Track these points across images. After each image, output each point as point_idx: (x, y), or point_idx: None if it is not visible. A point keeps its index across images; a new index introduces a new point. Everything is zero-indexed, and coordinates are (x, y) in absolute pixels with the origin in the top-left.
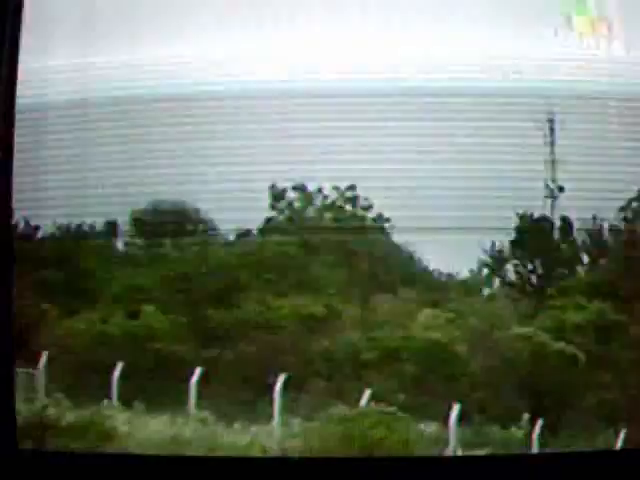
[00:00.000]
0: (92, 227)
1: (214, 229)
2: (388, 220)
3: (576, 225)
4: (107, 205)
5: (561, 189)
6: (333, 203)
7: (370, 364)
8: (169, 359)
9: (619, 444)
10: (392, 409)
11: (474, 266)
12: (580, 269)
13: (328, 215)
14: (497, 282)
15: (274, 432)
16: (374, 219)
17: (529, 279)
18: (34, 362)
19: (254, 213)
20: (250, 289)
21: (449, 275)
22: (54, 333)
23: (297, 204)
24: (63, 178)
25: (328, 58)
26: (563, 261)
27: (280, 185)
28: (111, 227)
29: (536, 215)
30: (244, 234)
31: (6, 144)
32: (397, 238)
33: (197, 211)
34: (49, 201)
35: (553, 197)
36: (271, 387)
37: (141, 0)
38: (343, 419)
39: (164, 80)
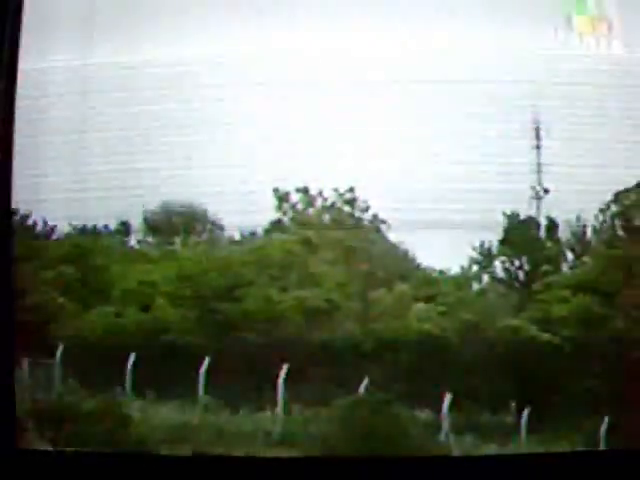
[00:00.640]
0: (106, 227)
1: (221, 229)
2: (384, 221)
3: (560, 225)
4: (121, 206)
5: (546, 191)
6: (333, 205)
7: (368, 354)
8: (179, 350)
9: (602, 429)
10: (388, 396)
11: (464, 263)
12: (564, 266)
13: (328, 216)
14: (486, 278)
15: (277, 418)
16: (371, 219)
17: (516, 275)
18: (51, 353)
19: (259, 214)
20: (255, 284)
21: (441, 271)
22: (70, 326)
23: (299, 206)
24: (76, 178)
25: (329, 60)
26: (548, 258)
27: (283, 188)
28: (124, 227)
29: (522, 215)
30: (250, 233)
31: (6, 145)
32: (392, 237)
33: (205, 212)
34: (65, 202)
35: (539, 198)
36: (274, 376)
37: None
38: (342, 406)
39: (166, 82)
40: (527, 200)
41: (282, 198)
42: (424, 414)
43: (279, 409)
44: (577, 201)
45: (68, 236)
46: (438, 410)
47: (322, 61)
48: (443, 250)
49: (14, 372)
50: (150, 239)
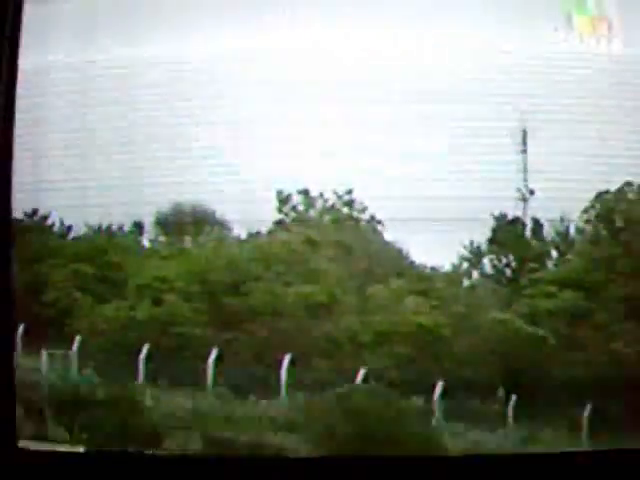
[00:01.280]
0: (121, 227)
1: (228, 228)
2: (380, 221)
3: (545, 224)
4: (134, 207)
5: (532, 193)
6: (332, 206)
7: (365, 345)
8: (189, 341)
9: (585, 414)
10: (384, 385)
11: (455, 260)
12: (549, 263)
13: (328, 216)
14: (476, 274)
15: (281, 405)
16: (368, 220)
17: (504, 272)
18: (69, 344)
19: (263, 215)
20: (260, 280)
21: (433, 268)
22: (87, 319)
23: (301, 207)
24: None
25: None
26: (534, 256)
27: (285, 190)
28: (138, 226)
29: (510, 216)
30: (255, 233)
31: (6, 144)
32: (388, 236)
33: (213, 213)
34: (82, 202)
35: (524, 200)
36: (279, 365)
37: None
38: (341, 394)
39: (168, 82)
40: (514, 202)
41: (284, 200)
42: (417, 401)
43: (282, 396)
44: (561, 202)
45: (85, 236)
46: (430, 397)
47: (322, 64)
48: (435, 248)
49: (14, 372)
50: (162, 238)
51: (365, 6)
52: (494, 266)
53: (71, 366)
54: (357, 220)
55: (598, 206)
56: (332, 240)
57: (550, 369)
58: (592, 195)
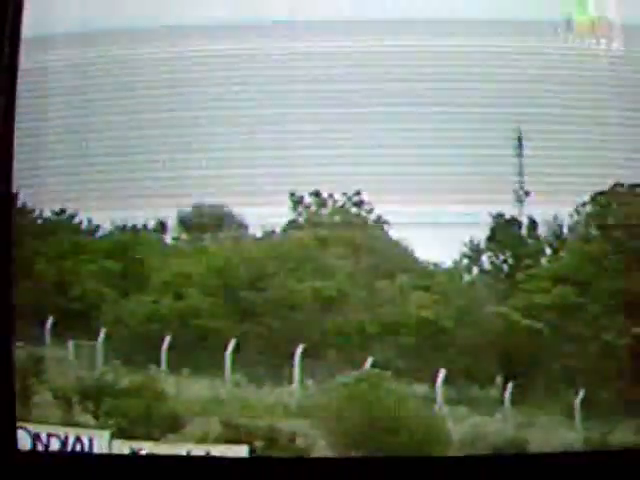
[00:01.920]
0: (145, 225)
1: (245, 227)
2: (386, 220)
3: (540, 223)
4: (158, 207)
5: (527, 193)
6: (342, 206)
7: (372, 336)
8: (208, 333)
9: (577, 400)
10: (390, 373)
11: (456, 257)
12: (544, 260)
13: (338, 216)
14: (475, 270)
15: (294, 393)
16: (375, 219)
17: (502, 268)
18: (95, 336)
19: (277, 215)
20: (275, 276)
21: (436, 265)
22: (112, 312)
23: (313, 208)
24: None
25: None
26: (530, 253)
27: (298, 192)
28: (161, 225)
29: (507, 215)
30: (270, 232)
31: (7, 143)
32: (394, 234)
33: (231, 212)
34: (109, 202)
35: (521, 200)
36: (292, 355)
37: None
38: (350, 382)
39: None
40: (510, 202)
41: (297, 201)
42: (421, 388)
43: (296, 384)
44: (554, 203)
45: (111, 234)
46: (433, 384)
47: (332, 68)
48: (438, 246)
49: (14, 373)
50: (184, 236)
51: (364, 8)
52: (492, 263)
53: (97, 356)
54: (365, 220)
55: (590, 206)
56: (342, 238)
57: (545, 358)
58: (584, 196)
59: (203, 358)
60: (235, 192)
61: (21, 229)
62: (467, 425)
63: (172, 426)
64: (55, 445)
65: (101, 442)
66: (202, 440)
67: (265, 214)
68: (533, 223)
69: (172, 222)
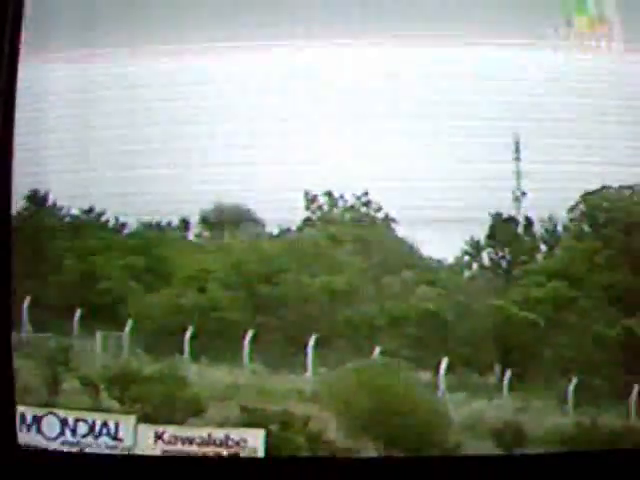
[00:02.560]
0: (169, 223)
1: (262, 225)
2: (393, 219)
3: (535, 222)
4: (181, 206)
5: (524, 194)
6: (352, 206)
7: (380, 328)
8: (228, 324)
9: (570, 387)
10: (396, 361)
11: (458, 254)
12: (539, 256)
13: (348, 215)
14: (475, 266)
15: (307, 379)
16: (383, 218)
17: (500, 264)
18: (121, 327)
19: (292, 214)
20: (290, 271)
21: (439, 261)
22: (138, 305)
23: (325, 207)
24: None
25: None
26: (526, 250)
27: (312, 192)
28: (184, 223)
29: (505, 215)
30: (285, 229)
31: (6, 144)
32: (400, 233)
33: (249, 211)
34: (136, 199)
35: (518, 201)
36: (305, 345)
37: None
38: (359, 369)
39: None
40: (508, 203)
41: (311, 200)
42: (425, 375)
43: (309, 371)
44: (549, 203)
45: (137, 231)
46: (436, 372)
47: (343, 76)
48: (441, 244)
49: (14, 373)
50: (205, 234)
51: (368, 14)
52: (491, 259)
53: (123, 346)
54: (373, 219)
55: (582, 206)
56: (352, 236)
57: (540, 348)
58: (577, 196)
59: (223, 347)
60: (253, 191)
61: (51, 227)
62: (467, 409)
63: (194, 410)
64: (82, 429)
65: (127, 426)
66: (221, 424)
67: (281, 213)
68: (529, 222)
69: (194, 220)
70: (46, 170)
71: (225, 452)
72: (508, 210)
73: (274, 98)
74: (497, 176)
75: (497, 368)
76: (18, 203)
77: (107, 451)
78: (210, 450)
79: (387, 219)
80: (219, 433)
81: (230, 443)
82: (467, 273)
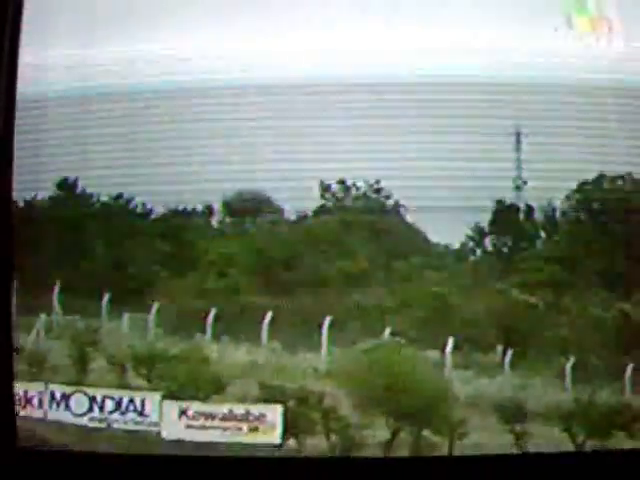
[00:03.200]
0: (194, 210)
1: (281, 213)
2: (403, 206)
3: (535, 209)
4: (205, 193)
5: (525, 183)
6: (364, 194)
7: (390, 310)
8: (248, 306)
9: (568, 365)
10: (405, 341)
11: (463, 240)
12: (539, 242)
13: (360, 202)
14: (479, 252)
15: (322, 358)
16: (393, 205)
17: (502, 249)
18: (147, 310)
19: (308, 201)
20: (306, 256)
21: (445, 246)
22: (164, 288)
23: (339, 195)
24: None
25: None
26: (527, 236)
27: (326, 181)
28: (208, 210)
29: (507, 202)
30: (302, 216)
31: (6, 141)
32: (409, 219)
33: (269, 199)
34: (161, 187)
35: (519, 189)
36: (320, 326)
37: None
38: (370, 348)
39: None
40: (510, 191)
41: (325, 189)
42: (432, 354)
43: (324, 350)
44: (548, 191)
45: (163, 217)
46: (443, 351)
47: (351, 66)
48: (447, 230)
49: (13, 374)
50: (227, 219)
51: (370, 6)
52: (494, 244)
53: (149, 327)
54: (383, 206)
55: (579, 194)
56: (363, 223)
57: (539, 329)
58: (574, 185)
59: (243, 329)
60: (273, 180)
61: (82, 213)
62: (472, 386)
63: (216, 388)
64: (110, 406)
65: (153, 403)
66: (242, 400)
67: (298, 200)
68: (529, 209)
69: (218, 207)
70: (77, 159)
71: (245, 427)
72: (510, 199)
73: (293, 94)
74: (500, 167)
75: (499, 347)
76: (49, 190)
77: (133, 427)
78: (231, 425)
79: (396, 207)
80: (239, 409)
81: (250, 418)
82: (471, 258)
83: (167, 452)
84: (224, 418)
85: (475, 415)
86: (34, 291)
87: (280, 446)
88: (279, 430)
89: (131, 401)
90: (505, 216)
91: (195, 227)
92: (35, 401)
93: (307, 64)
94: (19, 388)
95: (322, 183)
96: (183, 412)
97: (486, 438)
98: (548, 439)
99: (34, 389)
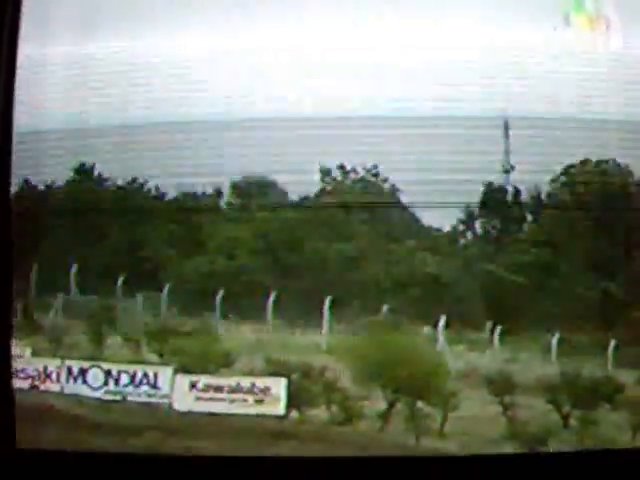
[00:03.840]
0: (204, 193)
1: (285, 196)
2: (398, 189)
3: (522, 192)
4: (215, 177)
5: (512, 167)
6: (362, 178)
7: (387, 289)
8: (254, 286)
9: (553, 341)
10: (401, 318)
11: (454, 223)
12: (526, 225)
13: (359, 186)
14: (470, 234)
15: (324, 334)
16: (389, 189)
17: (491, 232)
18: (160, 290)
19: (310, 185)
20: (308, 238)
21: (437, 229)
22: (175, 270)
23: (338, 178)
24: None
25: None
26: (514, 219)
27: (326, 165)
28: (217, 193)
29: (495, 185)
30: (304, 199)
31: (6, 139)
32: (404, 201)
33: (274, 183)
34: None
35: (507, 172)
36: (322, 304)
37: None
38: (369, 325)
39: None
40: (499, 174)
41: (325, 173)
42: (426, 330)
43: (325, 328)
44: (534, 174)
45: (175, 200)
46: (436, 328)
47: (351, 56)
48: (439, 213)
49: (12, 375)
50: (235, 202)
51: (364, 5)
52: (483, 227)
53: (161, 306)
54: (380, 190)
55: (564, 177)
56: (362, 205)
57: (527, 307)
58: (559, 168)
59: (249, 307)
60: (277, 165)
61: (98, 197)
62: (463, 360)
63: (224, 362)
64: (124, 380)
65: (165, 376)
66: (249, 373)
67: (300, 184)
68: (517, 191)
69: (226, 190)
70: (91, 143)
71: (251, 399)
72: (498, 181)
73: (300, 95)
74: (489, 151)
75: (489, 324)
76: (65, 174)
77: (147, 399)
78: (238, 397)
79: (393, 189)
80: (246, 382)
81: (256, 390)
82: (462, 241)
83: (178, 422)
84: (231, 390)
85: (466, 387)
86: (53, 273)
87: (284, 417)
88: (283, 402)
89: (145, 375)
90: (494, 200)
91: (205, 211)
92: (54, 376)
93: (307, 53)
94: (38, 364)
95: (322, 167)
96: (193, 385)
97: (477, 409)
98: (535, 410)
99: (53, 365)
